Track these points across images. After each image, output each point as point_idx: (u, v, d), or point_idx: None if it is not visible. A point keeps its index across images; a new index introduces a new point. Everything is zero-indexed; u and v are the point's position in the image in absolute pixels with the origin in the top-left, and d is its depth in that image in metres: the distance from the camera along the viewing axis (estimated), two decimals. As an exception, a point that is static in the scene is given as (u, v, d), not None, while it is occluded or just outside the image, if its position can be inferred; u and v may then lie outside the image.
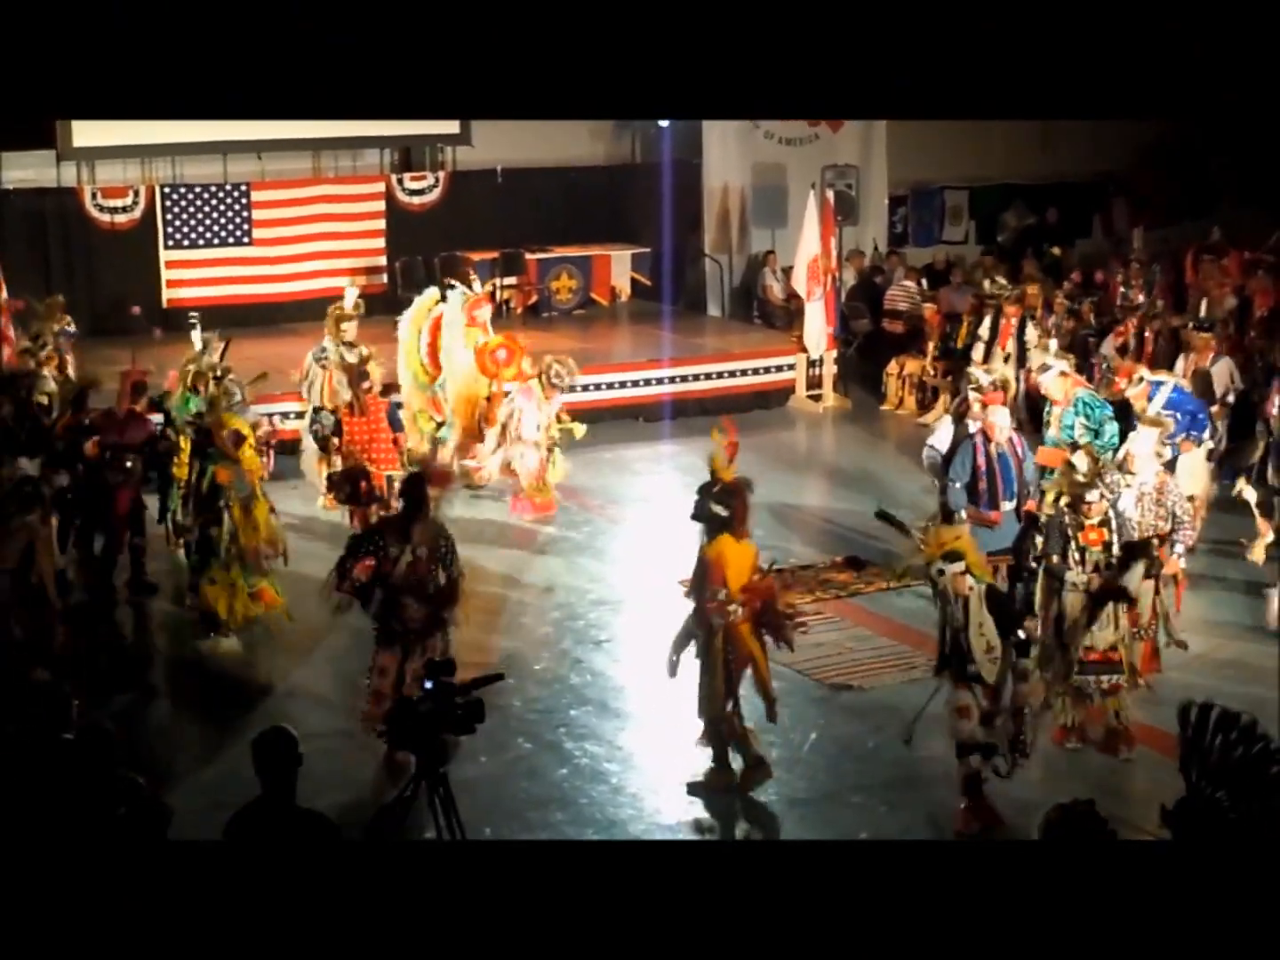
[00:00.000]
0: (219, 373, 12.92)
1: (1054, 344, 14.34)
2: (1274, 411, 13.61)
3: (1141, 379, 13.14)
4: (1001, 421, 11.49)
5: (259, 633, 11.84)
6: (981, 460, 11.41)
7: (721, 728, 9.38)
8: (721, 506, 9.24)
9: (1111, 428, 12.33)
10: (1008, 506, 11.41)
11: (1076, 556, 9.81)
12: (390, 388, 14.96)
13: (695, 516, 9.41)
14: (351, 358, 13.94)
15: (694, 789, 9.40)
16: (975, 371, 13.05)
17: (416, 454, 13.23)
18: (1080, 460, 10.12)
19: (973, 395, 12.23)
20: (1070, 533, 9.85)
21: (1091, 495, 9.83)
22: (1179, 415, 12.85)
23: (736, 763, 9.46)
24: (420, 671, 8.23)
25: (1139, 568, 9.68)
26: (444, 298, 15.32)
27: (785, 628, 9.36)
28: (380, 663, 9.69)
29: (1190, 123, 20.00)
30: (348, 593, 9.70)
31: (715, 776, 9.45)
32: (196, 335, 13.75)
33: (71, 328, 15.40)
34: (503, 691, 10.02)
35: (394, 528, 9.82)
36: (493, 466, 14.49)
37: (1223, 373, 14.22)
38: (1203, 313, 15.33)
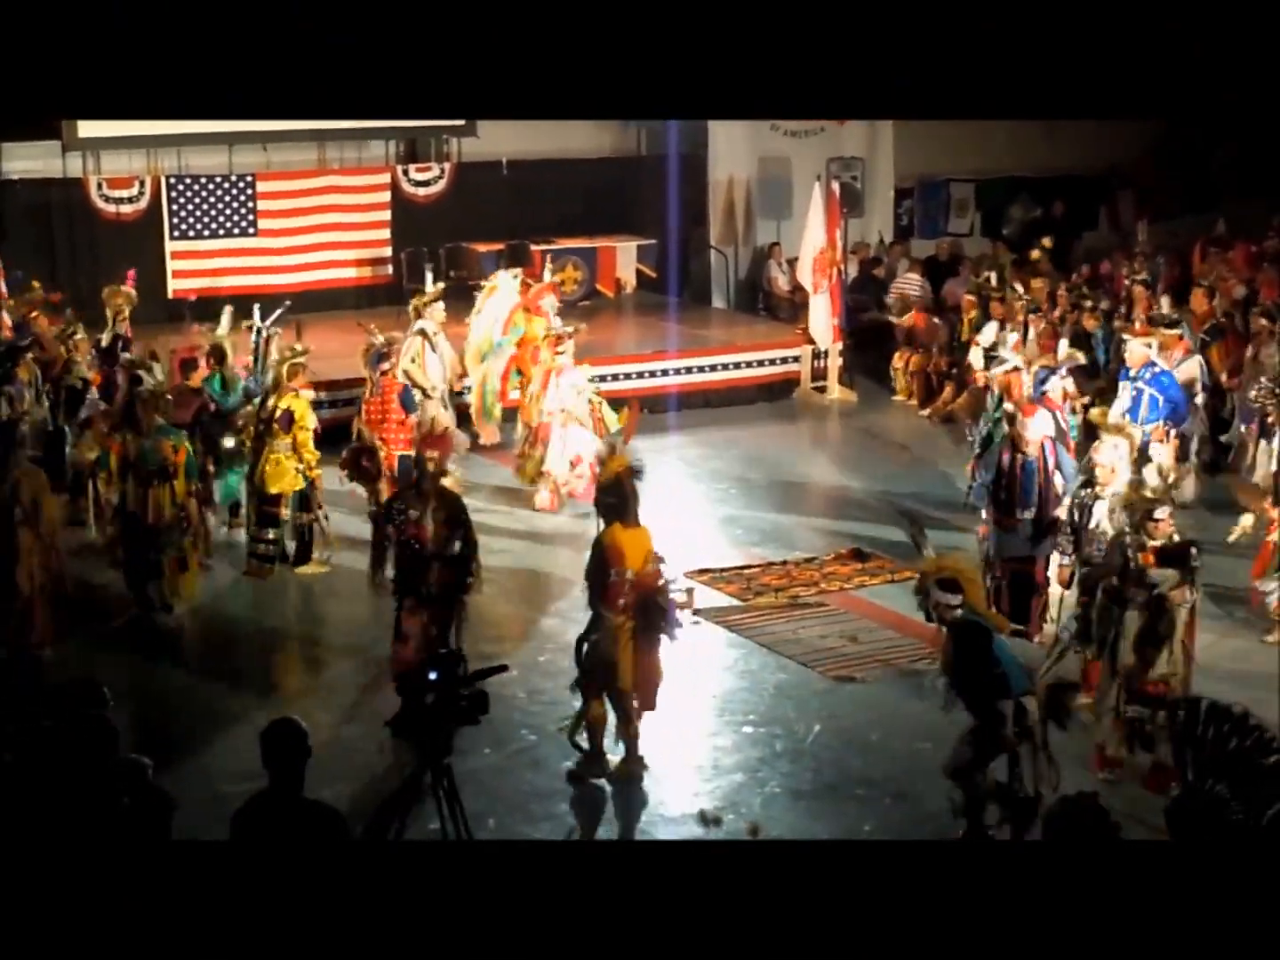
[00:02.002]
0: (287, 351, 13.17)
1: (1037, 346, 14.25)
2: None
3: (1150, 345, 13.13)
4: (1032, 434, 11.17)
5: (264, 625, 11.88)
6: (1005, 465, 11.23)
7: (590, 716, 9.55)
8: (608, 495, 9.63)
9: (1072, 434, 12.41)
10: (1025, 515, 11.14)
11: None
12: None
13: (595, 504, 9.92)
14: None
15: (570, 776, 9.55)
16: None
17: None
18: (1151, 474, 9.77)
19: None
20: (1131, 553, 9.32)
21: (1160, 512, 9.32)
22: (1161, 400, 12.91)
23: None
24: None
25: (1170, 575, 9.15)
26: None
27: (662, 624, 9.47)
28: (406, 627, 10.12)
29: (1191, 121, 19.96)
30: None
31: (587, 763, 9.58)
32: (257, 317, 13.94)
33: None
34: (507, 683, 10.05)
35: (409, 493, 10.46)
36: (558, 463, 14.32)
37: (1192, 370, 14.09)
38: (1165, 309, 15.18)
